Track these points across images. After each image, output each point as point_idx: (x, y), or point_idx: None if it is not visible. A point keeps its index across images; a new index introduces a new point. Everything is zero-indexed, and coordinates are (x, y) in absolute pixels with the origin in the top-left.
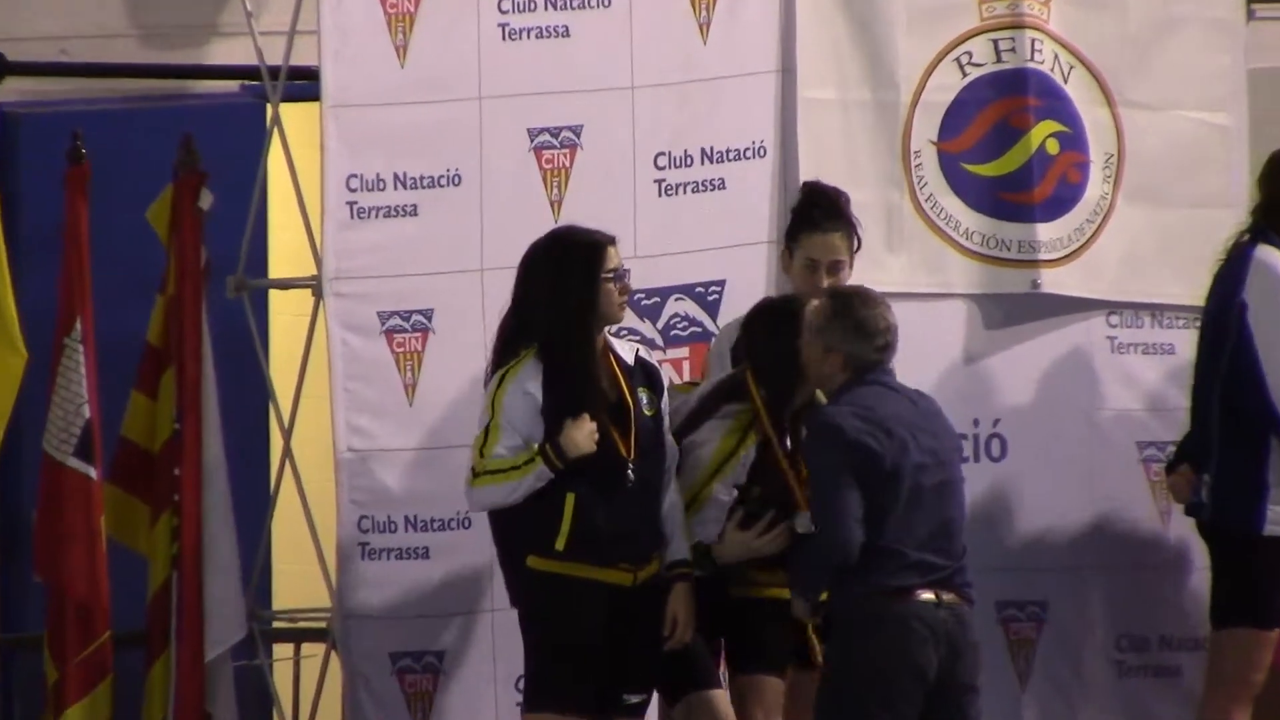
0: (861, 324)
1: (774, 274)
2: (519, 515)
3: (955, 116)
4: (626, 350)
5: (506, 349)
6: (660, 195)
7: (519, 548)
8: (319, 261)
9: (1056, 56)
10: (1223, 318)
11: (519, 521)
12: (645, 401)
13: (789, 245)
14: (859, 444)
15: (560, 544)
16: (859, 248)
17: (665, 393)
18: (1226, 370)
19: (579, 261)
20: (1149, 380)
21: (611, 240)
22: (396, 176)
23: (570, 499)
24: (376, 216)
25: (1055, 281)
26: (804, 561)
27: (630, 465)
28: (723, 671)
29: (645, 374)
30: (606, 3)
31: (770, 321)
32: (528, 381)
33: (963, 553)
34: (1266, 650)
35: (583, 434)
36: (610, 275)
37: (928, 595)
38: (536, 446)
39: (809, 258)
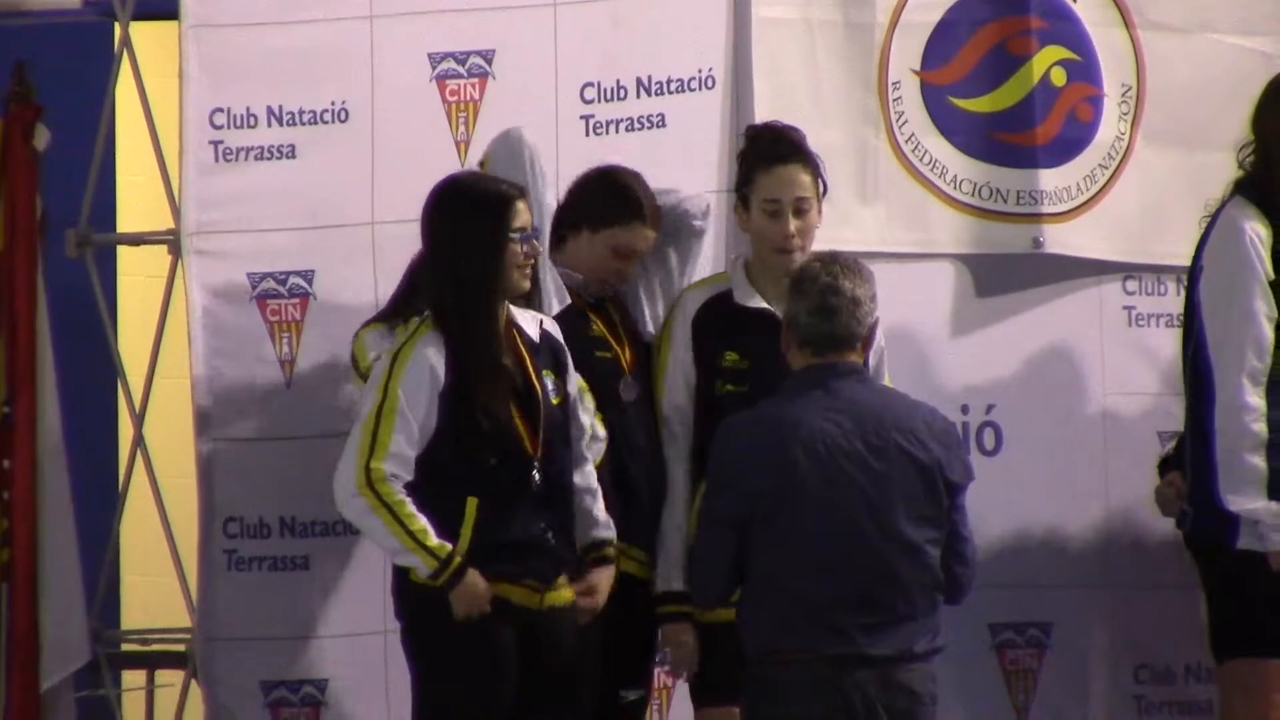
0: (799, 280)
1: (725, 228)
2: None
3: (942, 40)
4: (529, 323)
5: (395, 311)
6: (588, 134)
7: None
8: (177, 213)
9: None
10: (1190, 289)
11: None
12: (551, 387)
13: (742, 195)
14: (743, 464)
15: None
16: (825, 192)
17: (570, 372)
18: (1192, 352)
19: (479, 218)
20: (1173, 358)
21: (520, 193)
22: (270, 111)
23: (471, 505)
24: (246, 159)
25: (1061, 239)
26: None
27: (535, 464)
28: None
29: (551, 353)
30: None
31: None
32: (432, 357)
33: (909, 604)
34: (1277, 683)
35: (476, 598)
36: (515, 236)
37: (840, 659)
38: (450, 551)
39: (767, 198)
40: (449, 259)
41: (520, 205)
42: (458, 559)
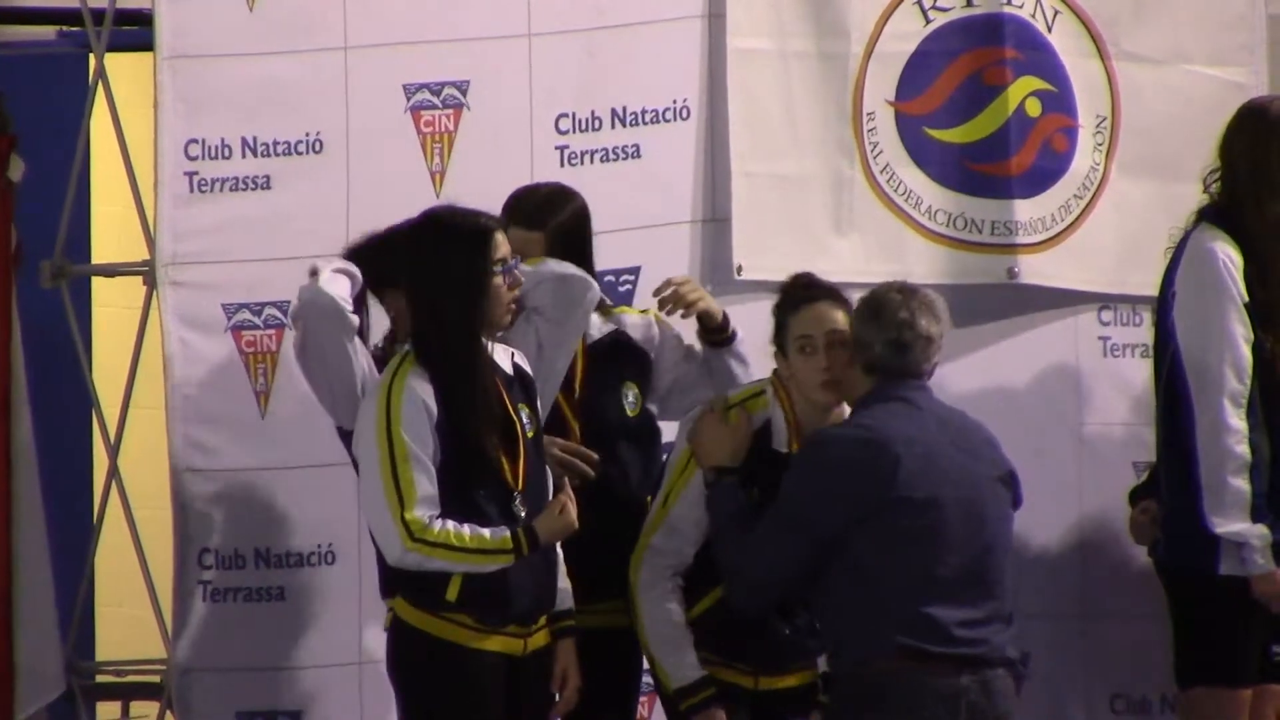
0: (879, 309)
1: (697, 259)
2: None
3: (916, 71)
4: (501, 355)
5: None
6: (563, 165)
7: (392, 585)
8: (152, 244)
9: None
10: (1161, 315)
11: None
12: (526, 421)
13: (779, 343)
14: (849, 468)
15: (452, 593)
16: None
17: (539, 408)
18: (1165, 377)
19: (461, 253)
20: (1149, 388)
21: (500, 225)
22: (245, 142)
23: None
24: (221, 190)
25: (1036, 270)
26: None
27: (517, 496)
28: None
29: (522, 387)
30: None
31: None
32: (421, 391)
33: (1002, 607)
34: (1240, 713)
35: (566, 521)
36: (498, 268)
37: (945, 660)
38: (509, 534)
39: (800, 334)
40: (431, 295)
41: (500, 237)
42: (521, 533)
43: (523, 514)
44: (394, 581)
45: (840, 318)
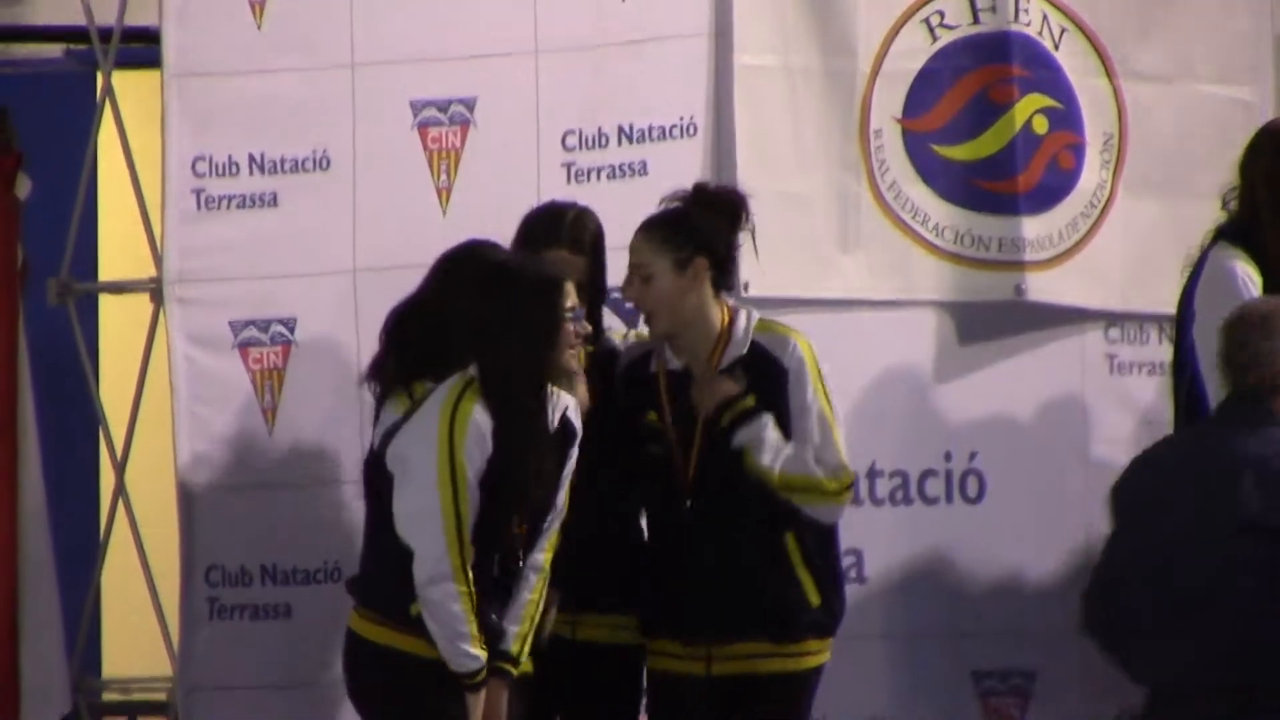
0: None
1: None
2: (389, 559)
3: (923, 89)
4: (553, 411)
5: (421, 364)
6: (570, 181)
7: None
8: (159, 261)
9: (1046, 17)
10: (1180, 334)
11: (384, 569)
12: None
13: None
14: (1115, 490)
15: (416, 608)
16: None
17: (571, 460)
18: (1184, 396)
19: (534, 304)
20: (1154, 406)
21: (565, 273)
22: (252, 159)
23: None
24: (228, 207)
25: (1043, 287)
26: None
27: (497, 555)
28: None
29: (559, 443)
30: None
31: None
32: (484, 427)
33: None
34: None
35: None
36: (569, 316)
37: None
38: (485, 656)
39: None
40: (501, 342)
41: (569, 286)
42: (486, 665)
43: (496, 571)
44: (356, 590)
45: (643, 249)
